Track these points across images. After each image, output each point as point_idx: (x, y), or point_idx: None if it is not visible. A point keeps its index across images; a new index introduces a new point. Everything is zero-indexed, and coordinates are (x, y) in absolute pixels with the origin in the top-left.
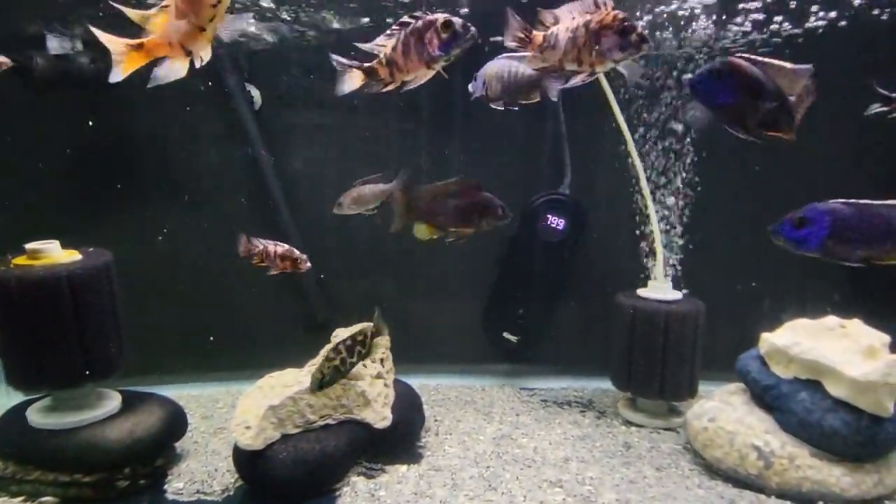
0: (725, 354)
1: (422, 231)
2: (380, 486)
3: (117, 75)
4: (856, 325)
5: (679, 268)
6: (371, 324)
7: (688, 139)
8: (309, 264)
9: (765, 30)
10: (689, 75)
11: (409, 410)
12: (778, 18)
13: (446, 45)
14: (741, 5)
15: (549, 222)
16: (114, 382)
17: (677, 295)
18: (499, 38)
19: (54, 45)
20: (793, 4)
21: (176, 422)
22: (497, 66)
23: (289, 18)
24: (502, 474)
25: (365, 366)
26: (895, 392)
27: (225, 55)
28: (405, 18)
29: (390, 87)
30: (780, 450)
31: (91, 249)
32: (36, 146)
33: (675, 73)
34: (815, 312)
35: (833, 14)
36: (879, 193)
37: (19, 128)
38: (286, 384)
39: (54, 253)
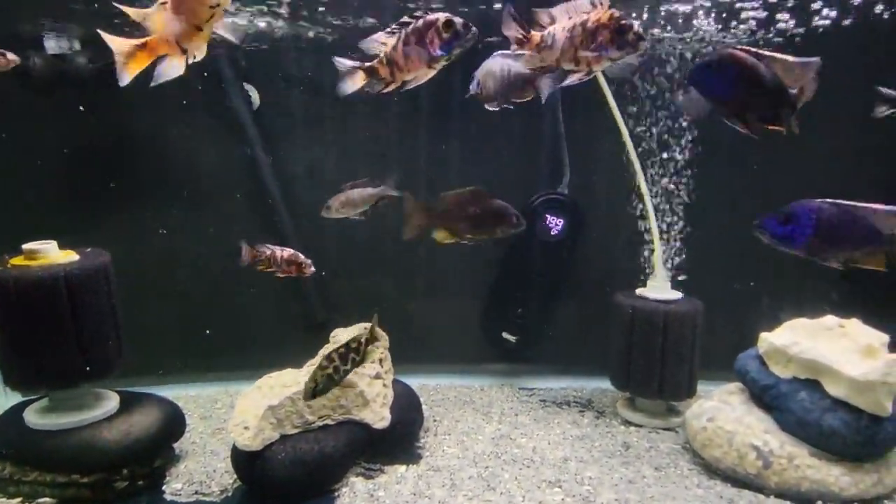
0: (724, 354)
1: (441, 235)
2: (378, 487)
3: (125, 77)
4: (855, 325)
5: (675, 270)
6: (366, 330)
7: (686, 140)
8: (313, 269)
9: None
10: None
11: (407, 411)
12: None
13: (447, 45)
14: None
15: (547, 222)
16: (112, 383)
17: (676, 295)
18: (493, 39)
19: (52, 44)
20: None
21: (174, 422)
22: (490, 65)
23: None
24: (501, 474)
25: (356, 373)
26: (894, 391)
27: (224, 55)
28: (405, 18)
29: (391, 87)
30: (779, 449)
31: (89, 250)
32: (33, 146)
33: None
34: (813, 312)
35: (834, 13)
36: (880, 193)
37: (17, 127)
38: (285, 384)
39: (52, 253)
